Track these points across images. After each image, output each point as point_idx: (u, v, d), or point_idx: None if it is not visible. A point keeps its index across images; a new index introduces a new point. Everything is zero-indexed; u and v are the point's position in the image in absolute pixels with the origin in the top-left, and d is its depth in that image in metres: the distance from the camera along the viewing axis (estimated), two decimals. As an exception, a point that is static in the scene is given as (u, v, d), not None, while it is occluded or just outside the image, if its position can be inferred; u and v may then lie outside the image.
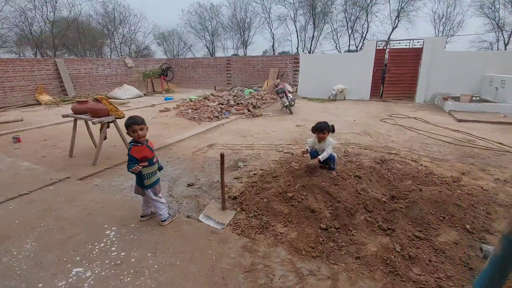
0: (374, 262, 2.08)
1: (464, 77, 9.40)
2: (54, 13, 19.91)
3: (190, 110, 8.01)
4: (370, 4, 23.76)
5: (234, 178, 3.66)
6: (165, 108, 8.85)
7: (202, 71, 16.57)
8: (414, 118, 7.29)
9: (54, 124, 6.88)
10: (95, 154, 4.15)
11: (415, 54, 10.11)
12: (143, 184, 2.35)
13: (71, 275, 1.97)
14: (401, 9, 23.63)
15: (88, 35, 23.14)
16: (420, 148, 4.81)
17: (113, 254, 2.18)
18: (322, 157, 2.93)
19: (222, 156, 2.53)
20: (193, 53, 30.46)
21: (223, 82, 15.85)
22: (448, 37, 22.98)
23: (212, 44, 29.20)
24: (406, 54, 10.28)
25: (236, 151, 4.76)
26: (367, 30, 25.07)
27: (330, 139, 3.02)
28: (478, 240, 2.33)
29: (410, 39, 10.29)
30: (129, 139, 2.36)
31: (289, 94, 8.29)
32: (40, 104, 10.23)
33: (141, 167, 2.21)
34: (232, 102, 8.73)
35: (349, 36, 25.62)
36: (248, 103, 8.80)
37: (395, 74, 10.55)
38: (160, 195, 2.50)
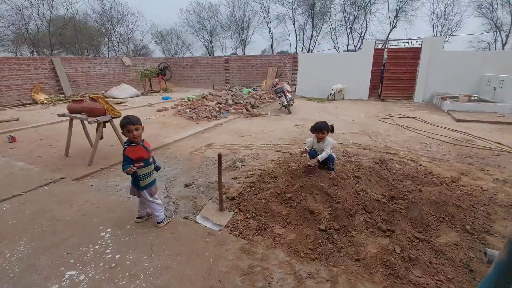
0: (374, 264, 2.05)
1: (463, 77, 9.40)
2: (50, 11, 19.76)
3: (188, 110, 7.96)
4: (369, 4, 23.77)
5: (232, 178, 3.62)
6: (163, 107, 8.78)
7: (201, 70, 16.50)
8: (413, 117, 7.28)
9: (50, 123, 6.81)
10: (91, 154, 4.09)
11: (413, 54, 10.11)
12: (138, 185, 2.30)
13: (64, 279, 1.92)
14: (399, 9, 23.66)
15: (85, 33, 22.97)
16: (419, 148, 4.79)
17: (107, 256, 2.13)
18: (321, 157, 2.90)
19: (219, 156, 2.49)
20: (192, 52, 30.37)
21: (221, 81, 15.79)
22: (446, 37, 23.02)
23: (211, 43, 29.11)
24: (405, 54, 10.28)
25: (234, 151, 4.71)
26: (366, 30, 25.11)
27: (329, 139, 2.98)
28: (478, 241, 2.31)
29: (408, 39, 10.28)
30: (125, 138, 2.31)
31: (287, 94, 8.26)
32: (36, 103, 10.12)
33: (135, 168, 2.17)
34: (230, 102, 8.68)
35: (348, 35, 25.63)
36: (247, 102, 8.75)
37: (394, 73, 10.54)
38: (156, 196, 2.45)
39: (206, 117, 7.24)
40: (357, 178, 3.03)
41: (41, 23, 19.76)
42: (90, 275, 1.95)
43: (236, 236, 2.38)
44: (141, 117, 6.53)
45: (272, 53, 26.97)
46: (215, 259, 2.09)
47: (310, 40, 26.21)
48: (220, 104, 8.48)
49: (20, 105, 9.81)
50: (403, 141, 5.21)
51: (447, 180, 3.41)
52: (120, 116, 3.93)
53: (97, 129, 4.12)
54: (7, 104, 9.69)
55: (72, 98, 5.75)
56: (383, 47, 10.74)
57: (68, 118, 4.36)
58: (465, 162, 4.10)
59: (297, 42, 26.87)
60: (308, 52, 24.74)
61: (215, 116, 7.34)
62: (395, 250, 2.15)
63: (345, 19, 24.96)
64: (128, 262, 2.07)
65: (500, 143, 4.96)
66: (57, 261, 2.11)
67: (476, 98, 8.27)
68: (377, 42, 10.65)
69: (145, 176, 2.30)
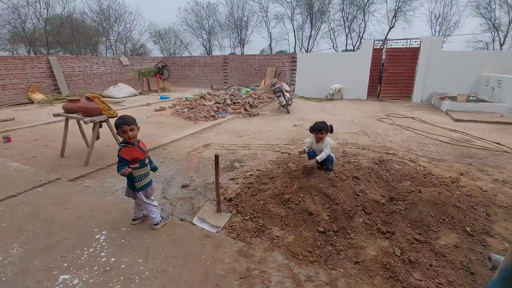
0: (373, 267, 2.02)
1: (461, 77, 9.41)
2: (47, 10, 19.60)
3: (186, 109, 7.91)
4: (367, 4, 23.78)
5: (230, 179, 3.58)
6: (160, 107, 8.72)
7: (199, 70, 16.43)
8: (411, 117, 7.27)
9: (46, 123, 6.74)
10: (87, 154, 4.04)
11: (412, 54, 10.10)
12: (134, 187, 2.26)
13: (57, 283, 1.88)
14: (398, 9, 23.68)
15: (82, 32, 22.82)
16: (418, 148, 4.78)
17: (102, 260, 2.09)
18: (320, 157, 2.86)
19: (216, 157, 2.45)
20: (190, 51, 30.28)
21: (220, 81, 15.74)
22: (444, 37, 23.08)
23: (209, 43, 29.02)
24: (403, 54, 10.27)
25: (232, 151, 4.67)
26: (364, 30, 25.11)
27: (329, 139, 2.95)
28: (478, 243, 2.28)
29: (407, 39, 10.27)
30: (121, 139, 2.27)
31: (286, 94, 8.23)
32: (32, 102, 10.03)
33: (131, 169, 2.12)
34: (228, 101, 8.64)
35: (346, 35, 25.62)
36: (245, 102, 8.71)
37: (392, 73, 10.54)
38: (152, 197, 2.41)
39: (204, 117, 7.19)
40: (356, 179, 3.00)
41: (38, 21, 19.61)
42: (84, 279, 1.91)
43: (234, 238, 2.35)
44: (139, 116, 6.42)
45: (271, 52, 26.93)
46: (212, 262, 2.05)
47: (309, 40, 26.20)
48: (218, 103, 8.43)
49: (16, 105, 9.71)
50: (402, 141, 5.19)
51: (447, 180, 3.39)
52: (117, 116, 3.87)
53: (93, 129, 4.07)
54: (3, 104, 9.59)
55: (68, 98, 5.68)
56: (382, 47, 10.73)
57: (64, 118, 4.30)
58: (464, 163, 4.08)
59: (295, 41, 26.86)
60: (306, 51, 24.73)
61: (213, 116, 7.30)
62: (395, 253, 2.12)
63: (343, 19, 24.97)
64: (123, 266, 2.03)
65: (499, 143, 4.95)
66: (50, 265, 2.06)
67: (474, 98, 8.28)
68: (375, 42, 10.64)
69: (140, 178, 2.25)
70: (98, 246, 2.24)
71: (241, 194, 3.06)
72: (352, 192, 2.76)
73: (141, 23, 36.51)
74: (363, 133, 5.76)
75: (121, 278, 1.91)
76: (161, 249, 2.20)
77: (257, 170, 3.78)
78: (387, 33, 24.50)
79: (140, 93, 12.68)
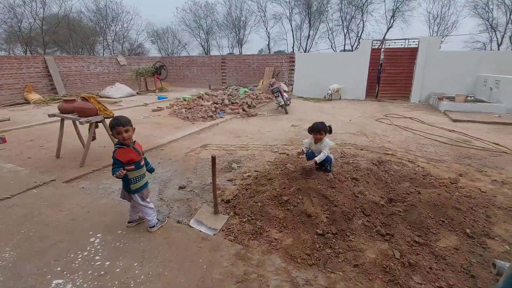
0: (373, 270, 1.99)
1: (459, 77, 9.42)
2: (43, 9, 19.47)
3: (183, 110, 7.85)
4: (366, 4, 23.82)
5: (228, 180, 3.54)
6: (158, 107, 8.67)
7: (197, 70, 16.37)
8: (410, 118, 7.27)
9: (42, 123, 6.67)
10: (83, 155, 3.98)
11: (410, 54, 10.11)
12: (129, 189, 2.22)
13: (50, 288, 1.83)
14: (396, 9, 23.75)
15: (79, 32, 22.68)
16: (416, 149, 4.76)
17: (97, 263, 2.04)
18: (318, 158, 2.83)
19: (213, 158, 2.41)
20: (188, 51, 30.19)
21: (218, 81, 15.69)
22: (442, 37, 23.17)
23: (207, 43, 28.96)
24: (402, 54, 10.27)
25: (230, 152, 4.64)
26: (363, 30, 25.17)
27: (327, 140, 2.92)
28: (478, 245, 2.26)
29: (405, 39, 10.27)
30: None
31: (284, 94, 8.19)
32: (29, 103, 9.93)
33: (125, 171, 2.08)
34: (226, 102, 8.59)
35: (345, 35, 25.66)
36: (243, 102, 8.67)
37: (391, 73, 10.54)
38: (148, 199, 2.37)
39: (202, 117, 7.14)
40: (355, 180, 2.97)
41: (34, 21, 19.46)
42: (77, 283, 1.86)
43: (231, 241, 2.31)
44: (136, 117, 6.37)
45: (269, 52, 26.91)
46: (209, 265, 2.01)
47: (307, 40, 26.22)
48: (216, 104, 8.39)
49: (12, 105, 9.61)
50: (400, 142, 5.17)
51: (446, 181, 3.37)
52: (113, 116, 3.82)
53: (89, 129, 4.01)
54: (-1, 104, 9.50)
55: (63, 98, 5.62)
56: (380, 47, 10.73)
57: (59, 118, 4.24)
58: (463, 163, 4.07)
59: (294, 41, 26.87)
60: (305, 51, 24.73)
61: (211, 116, 7.25)
62: (394, 255, 2.09)
63: (342, 19, 25.01)
64: (118, 270, 1.98)
65: (497, 144, 4.95)
66: (43, 269, 2.01)
67: (472, 98, 8.29)
68: (374, 42, 10.63)
69: (136, 180, 2.21)
70: (93, 249, 2.20)
71: (239, 195, 3.02)
72: (351, 194, 2.73)
73: (138, 23, 36.39)
74: (362, 134, 5.74)
75: (116, 282, 1.87)
76: (157, 252, 2.15)
77: (255, 171, 3.74)
78: (385, 33, 24.58)
79: (137, 93, 12.60)
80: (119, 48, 26.11)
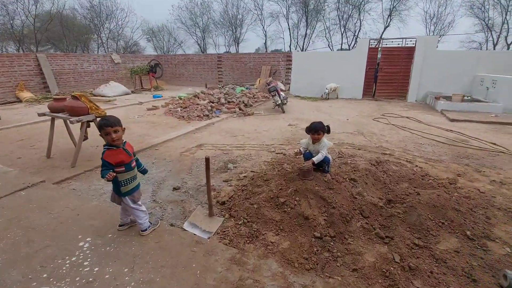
0: (372, 275, 1.93)
1: (456, 77, 9.43)
2: (36, 6, 19.11)
3: (179, 109, 7.74)
4: (363, 3, 23.80)
5: (224, 180, 3.46)
6: (153, 106, 8.53)
7: (193, 68, 16.22)
8: (407, 117, 7.24)
9: (33, 122, 6.50)
10: (74, 156, 3.87)
11: (407, 53, 10.09)
12: (119, 191, 2.12)
13: (34, 296, 1.74)
14: (393, 8, 23.76)
15: (73, 29, 22.33)
16: (414, 149, 4.72)
17: (85, 270, 1.95)
18: (316, 159, 2.76)
19: (207, 160, 2.33)
20: (184, 49, 29.94)
21: (214, 79, 15.56)
22: (439, 37, 23.26)
23: (203, 41, 28.72)
24: (399, 53, 10.25)
25: (226, 152, 4.55)
26: (360, 29, 25.15)
27: (326, 140, 2.85)
28: (479, 247, 2.21)
29: (402, 38, 10.25)
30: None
31: (281, 93, 8.12)
32: (20, 101, 9.73)
33: (115, 174, 1.98)
34: (223, 100, 8.49)
35: (342, 34, 25.63)
36: (240, 101, 8.58)
37: (388, 73, 10.52)
38: (140, 202, 2.27)
39: (197, 116, 7.04)
40: (353, 181, 2.91)
41: (26, 18, 19.11)
42: (64, 292, 1.77)
43: (226, 245, 2.23)
44: (130, 116, 6.24)
45: (266, 51, 26.78)
46: (203, 271, 1.94)
47: (304, 39, 26.14)
48: (213, 103, 8.28)
49: (3, 104, 9.39)
50: (398, 141, 5.13)
51: (444, 182, 3.32)
52: (105, 115, 3.71)
53: (80, 129, 3.90)
54: (-11, 102, 9.28)
55: (53, 96, 5.47)
56: (377, 46, 10.70)
57: (50, 117, 4.12)
58: (461, 163, 4.04)
59: (291, 40, 26.77)
60: (302, 50, 24.66)
61: (207, 115, 7.15)
62: (394, 259, 2.03)
63: (339, 18, 24.96)
64: (107, 276, 1.89)
65: (494, 144, 4.93)
66: (29, 276, 1.92)
67: (469, 98, 8.29)
68: (371, 41, 10.60)
69: (127, 182, 2.12)
70: (81, 254, 2.10)
71: (235, 197, 2.94)
72: (349, 195, 2.67)
73: (133, 20, 35.99)
74: (359, 133, 5.70)
75: (105, 290, 1.78)
76: (148, 257, 2.07)
77: (251, 171, 3.67)
78: (382, 33, 24.61)
79: (132, 92, 12.43)
80: (113, 46, 25.80)
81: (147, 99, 10.56)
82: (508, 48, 21.39)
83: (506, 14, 20.88)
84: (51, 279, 1.87)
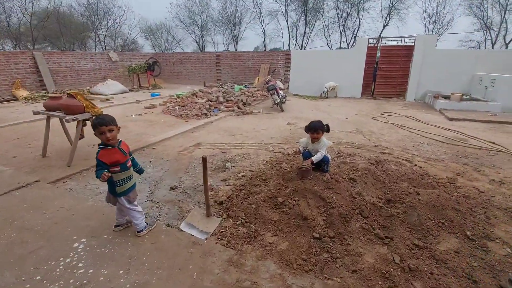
0: (372, 276, 1.90)
1: (455, 76, 9.41)
2: (32, 3, 18.92)
3: (177, 107, 7.68)
4: (362, 1, 23.74)
5: (222, 180, 3.42)
6: (150, 104, 8.47)
7: (191, 67, 16.13)
8: (406, 116, 7.22)
9: (29, 121, 6.43)
10: (70, 154, 3.82)
11: (406, 52, 10.06)
12: (115, 192, 2.08)
13: (27, 299, 1.70)
14: (392, 7, 23.74)
15: (70, 27, 22.14)
16: (413, 148, 4.70)
17: (79, 272, 1.91)
18: (315, 158, 2.73)
19: (204, 160, 2.29)
20: (182, 48, 29.79)
21: (212, 78, 15.48)
22: (438, 35, 23.26)
23: (202, 39, 28.60)
24: (398, 52, 10.22)
25: (224, 151, 4.51)
26: (359, 27, 25.11)
27: (325, 139, 2.81)
28: (479, 247, 2.19)
29: (401, 37, 10.22)
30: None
31: (280, 91, 8.08)
32: (17, 99, 9.64)
33: (110, 174, 1.94)
34: (221, 99, 8.44)
35: (341, 33, 25.59)
36: (238, 100, 8.53)
37: (387, 71, 10.49)
38: (136, 202, 2.23)
39: (195, 114, 6.99)
40: (352, 181, 2.88)
41: (23, 16, 18.92)
42: (57, 294, 1.73)
43: (224, 246, 2.20)
44: (128, 114, 6.15)
45: (265, 49, 26.70)
46: (200, 273, 1.90)
47: (303, 37, 26.07)
48: (211, 101, 8.23)
49: (-1, 102, 9.31)
50: (397, 140, 5.11)
51: (444, 181, 3.31)
52: (102, 114, 3.66)
53: (77, 127, 3.84)
54: (-15, 100, 9.18)
55: (49, 94, 5.40)
56: (376, 44, 10.66)
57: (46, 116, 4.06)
58: (460, 162, 4.02)
59: (290, 39, 26.69)
60: (301, 49, 24.60)
61: (205, 114, 7.10)
62: (394, 260, 2.01)
63: (338, 16, 24.91)
64: (102, 278, 1.85)
65: (493, 143, 4.92)
66: (22, 278, 1.87)
67: (468, 97, 8.28)
68: (370, 40, 10.56)
69: (122, 182, 2.07)
70: (76, 256, 2.06)
71: (233, 197, 2.91)
72: (348, 195, 2.64)
73: (131, 18, 35.73)
74: (358, 132, 5.67)
75: (99, 293, 1.74)
76: (144, 258, 2.03)
77: (250, 170, 3.63)
78: (381, 31, 24.59)
79: (130, 90, 12.34)
80: (111, 44, 25.62)
81: (145, 97, 10.48)
82: (507, 47, 21.43)
83: (504, 13, 20.91)
84: (44, 281, 1.84)
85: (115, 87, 11.34)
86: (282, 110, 7.82)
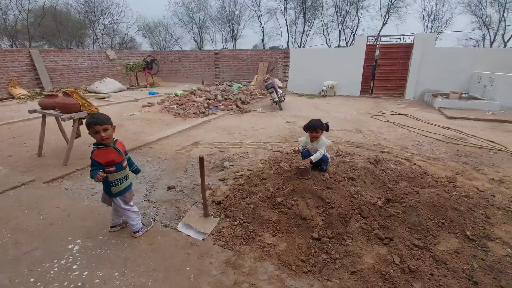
0: (371, 278, 1.87)
1: (454, 74, 9.39)
2: (29, 0, 18.72)
3: (175, 105, 7.63)
4: (360, -1, 23.68)
5: (220, 179, 3.39)
6: (148, 103, 8.41)
7: (189, 65, 16.04)
8: (405, 115, 7.20)
9: (25, 120, 6.36)
10: (66, 154, 3.77)
11: (405, 50, 10.03)
12: (110, 192, 2.04)
13: (20, 302, 1.66)
14: (391, 5, 23.69)
15: (67, 25, 21.94)
16: (412, 146, 4.68)
17: (74, 273, 1.87)
18: (314, 158, 2.69)
19: (201, 159, 2.25)
20: (181, 46, 29.64)
21: (211, 76, 15.41)
22: (437, 34, 23.25)
23: (200, 37, 28.46)
24: (397, 50, 10.19)
25: (223, 150, 4.48)
26: (357, 26, 25.06)
27: (324, 138, 2.78)
28: (479, 248, 2.17)
29: (400, 35, 10.19)
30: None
31: (278, 90, 8.04)
32: (13, 98, 9.54)
33: (105, 174, 1.90)
34: (219, 97, 8.39)
35: (340, 31, 25.53)
36: (237, 98, 8.49)
37: (386, 70, 10.46)
38: (132, 203, 2.20)
39: (194, 113, 6.94)
40: (351, 180, 2.85)
41: (19, 13, 18.72)
42: (51, 297, 1.70)
43: (221, 246, 2.17)
44: (125, 113, 6.08)
45: (264, 48, 26.60)
46: (197, 274, 1.87)
47: (302, 35, 26.00)
48: (209, 99, 8.18)
49: (-5, 100, 9.22)
50: (396, 139, 5.09)
51: (443, 180, 3.29)
52: (98, 112, 3.61)
53: (73, 126, 3.79)
54: (-19, 99, 9.09)
55: (44, 93, 5.35)
56: (375, 43, 10.63)
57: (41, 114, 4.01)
58: (459, 161, 4.00)
59: (288, 37, 26.63)
60: (299, 47, 24.53)
61: (204, 113, 7.05)
62: (394, 261, 1.98)
63: (337, 14, 24.85)
64: (97, 280, 1.82)
65: (492, 141, 4.91)
66: (15, 280, 1.84)
67: (466, 95, 8.27)
68: (369, 38, 10.52)
69: (117, 182, 2.03)
70: (71, 257, 2.02)
71: (231, 196, 2.87)
72: (347, 194, 2.61)
73: (128, 16, 35.48)
74: (357, 131, 5.64)
75: (94, 295, 1.71)
76: (140, 260, 2.00)
77: (248, 170, 3.60)
78: (380, 30, 24.56)
79: (128, 88, 12.25)
80: (109, 41, 25.44)
81: (143, 95, 10.41)
82: (505, 46, 21.45)
83: (503, 12, 20.91)
84: (38, 284, 1.80)
85: (112, 86, 11.25)
86: (281, 109, 7.79)
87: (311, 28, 25.96)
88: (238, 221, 2.44)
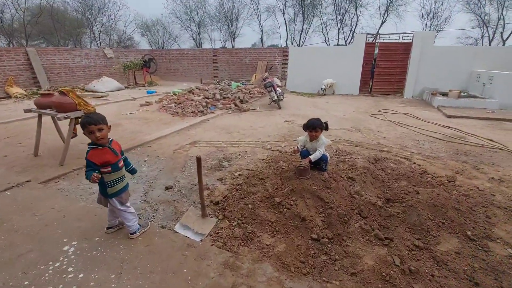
0: (371, 279, 1.85)
1: (453, 73, 9.37)
2: (26, -2, 18.56)
3: (173, 104, 7.57)
4: (359, -2, 23.62)
5: (218, 179, 3.36)
6: (146, 102, 8.35)
7: (188, 63, 15.95)
8: (404, 113, 7.18)
9: (22, 119, 6.29)
10: (62, 153, 3.72)
11: (404, 49, 10.00)
12: (106, 193, 2.00)
13: (13, 306, 1.63)
14: (390, 3, 23.64)
15: (64, 23, 21.78)
16: (411, 145, 4.66)
17: (69, 276, 1.84)
18: (313, 157, 2.66)
19: (198, 159, 2.22)
20: (179, 44, 29.51)
21: (209, 75, 15.33)
22: (436, 32, 23.24)
23: (199, 36, 28.35)
24: (396, 49, 10.16)
25: (221, 149, 4.44)
26: (356, 24, 25.02)
27: (323, 138, 2.75)
28: (480, 248, 2.15)
29: (399, 33, 10.16)
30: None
31: (277, 88, 8.00)
32: (10, 97, 9.46)
33: (100, 175, 1.86)
34: (218, 96, 8.34)
35: (338, 29, 25.47)
36: (235, 97, 8.44)
37: (385, 68, 10.44)
38: (128, 204, 2.16)
39: (192, 112, 6.89)
40: (351, 180, 2.83)
41: (16, 11, 18.57)
42: (45, 301, 1.66)
43: (219, 248, 2.14)
44: (123, 112, 6.03)
45: (262, 46, 26.51)
46: (194, 276, 1.84)
47: (301, 34, 25.94)
48: (208, 98, 8.13)
49: (-9, 99, 9.14)
50: (395, 138, 5.07)
51: (443, 179, 3.27)
52: (95, 112, 3.56)
53: (69, 125, 3.74)
54: (-23, 98, 9.00)
55: (40, 92, 5.29)
56: (374, 41, 10.59)
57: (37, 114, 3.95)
58: (459, 160, 3.98)
59: (287, 35, 26.56)
60: (298, 45, 24.47)
61: (202, 112, 7.01)
62: (394, 262, 1.96)
63: (336, 13, 24.80)
64: (92, 283, 1.79)
65: (491, 140, 4.89)
66: (9, 283, 1.80)
67: (465, 94, 8.26)
68: (368, 36, 10.48)
69: (113, 183, 2.00)
70: (66, 259, 1.99)
71: (229, 196, 2.84)
72: (347, 194, 2.58)
73: (126, 14, 35.28)
74: (356, 130, 5.62)
75: (89, 298, 1.67)
76: (137, 262, 1.96)
77: (247, 169, 3.57)
78: (379, 28, 24.53)
79: (125, 87, 12.18)
80: (106, 40, 25.29)
81: (141, 94, 10.34)
82: (504, 44, 21.46)
83: (502, 10, 20.91)
84: (32, 287, 1.77)
85: (110, 84, 11.18)
86: (280, 108, 7.75)
87: (310, 26, 25.93)
88: (236, 222, 2.41)
